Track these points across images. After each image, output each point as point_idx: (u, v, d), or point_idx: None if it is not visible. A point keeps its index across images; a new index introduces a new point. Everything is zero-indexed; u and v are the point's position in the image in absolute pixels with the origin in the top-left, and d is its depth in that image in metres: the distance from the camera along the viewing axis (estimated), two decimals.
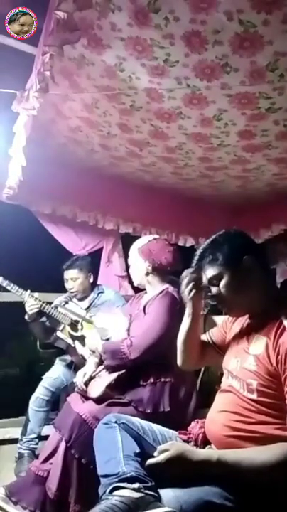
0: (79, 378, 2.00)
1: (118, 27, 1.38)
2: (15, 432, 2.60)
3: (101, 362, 2.02)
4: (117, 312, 2.35)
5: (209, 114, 1.83)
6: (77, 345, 2.47)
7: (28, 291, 2.52)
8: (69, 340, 2.52)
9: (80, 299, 2.77)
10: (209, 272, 1.35)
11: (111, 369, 1.92)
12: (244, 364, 1.26)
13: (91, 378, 1.99)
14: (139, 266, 2.12)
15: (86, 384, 1.96)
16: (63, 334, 2.56)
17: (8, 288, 2.48)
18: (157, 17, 1.31)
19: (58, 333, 2.56)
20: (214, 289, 1.35)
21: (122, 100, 1.81)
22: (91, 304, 2.73)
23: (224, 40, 1.38)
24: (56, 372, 2.64)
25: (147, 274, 2.11)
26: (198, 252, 1.41)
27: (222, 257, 1.33)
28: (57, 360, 2.76)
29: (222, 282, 1.32)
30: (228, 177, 2.62)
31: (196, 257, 1.41)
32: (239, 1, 1.22)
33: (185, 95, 1.70)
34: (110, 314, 2.35)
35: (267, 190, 2.81)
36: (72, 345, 2.50)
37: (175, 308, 1.97)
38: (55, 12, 1.13)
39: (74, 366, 2.55)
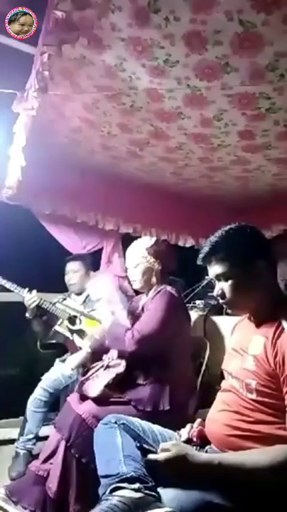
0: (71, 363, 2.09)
1: (118, 27, 1.37)
2: (15, 433, 2.61)
3: (94, 358, 2.04)
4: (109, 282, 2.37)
5: (209, 114, 1.82)
6: (76, 338, 2.48)
7: (27, 288, 2.57)
8: (68, 334, 2.54)
9: (77, 294, 2.84)
10: (218, 268, 1.30)
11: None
12: (243, 364, 1.26)
13: (87, 378, 1.99)
14: (148, 266, 2.12)
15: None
16: (61, 328, 2.59)
17: (7, 286, 2.52)
18: (157, 17, 1.30)
19: (56, 327, 2.60)
20: (219, 285, 1.32)
21: (122, 100, 1.80)
22: (87, 297, 2.79)
23: (224, 40, 1.37)
24: (55, 374, 2.64)
25: (156, 274, 2.12)
26: (208, 244, 1.34)
27: (235, 256, 1.29)
28: (57, 360, 2.76)
29: (230, 281, 1.29)
30: (228, 177, 2.61)
31: (206, 249, 1.34)
32: (239, 1, 1.22)
33: (185, 95, 1.70)
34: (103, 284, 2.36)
35: (267, 191, 2.80)
36: (71, 338, 2.52)
37: (173, 306, 1.97)
38: (54, 11, 1.13)
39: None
